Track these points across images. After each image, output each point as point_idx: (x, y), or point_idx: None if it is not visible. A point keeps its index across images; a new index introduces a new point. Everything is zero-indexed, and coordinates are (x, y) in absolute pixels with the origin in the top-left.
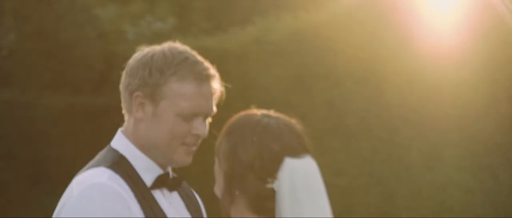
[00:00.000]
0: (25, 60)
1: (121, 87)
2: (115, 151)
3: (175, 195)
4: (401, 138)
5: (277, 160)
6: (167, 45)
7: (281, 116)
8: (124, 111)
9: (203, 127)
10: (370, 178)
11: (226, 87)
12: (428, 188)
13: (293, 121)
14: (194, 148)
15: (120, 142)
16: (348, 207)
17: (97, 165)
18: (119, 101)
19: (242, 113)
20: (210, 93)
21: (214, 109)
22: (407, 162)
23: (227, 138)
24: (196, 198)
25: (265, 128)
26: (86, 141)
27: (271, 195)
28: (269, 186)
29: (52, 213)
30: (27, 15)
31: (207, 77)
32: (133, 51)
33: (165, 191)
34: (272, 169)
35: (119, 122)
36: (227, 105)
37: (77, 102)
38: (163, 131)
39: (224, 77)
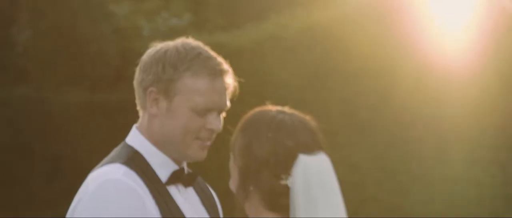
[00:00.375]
0: (41, 57)
1: (135, 83)
2: (130, 147)
3: (190, 190)
4: (413, 133)
5: (291, 157)
6: (180, 41)
7: (296, 112)
8: (138, 107)
9: (217, 121)
10: (383, 173)
11: (240, 83)
12: (439, 182)
13: (307, 117)
14: (208, 143)
15: (135, 138)
16: (361, 202)
17: (112, 161)
18: (135, 97)
19: (257, 109)
20: (224, 88)
21: (228, 103)
22: (419, 157)
23: (242, 133)
24: (211, 194)
25: (280, 124)
26: (102, 137)
27: (285, 191)
28: (283, 182)
29: (68, 209)
30: (43, 12)
31: (221, 73)
32: (148, 48)
33: (181, 186)
34: (286, 165)
35: (135, 118)
36: (242, 101)
37: (93, 99)
38: (177, 126)
39: (238, 73)
